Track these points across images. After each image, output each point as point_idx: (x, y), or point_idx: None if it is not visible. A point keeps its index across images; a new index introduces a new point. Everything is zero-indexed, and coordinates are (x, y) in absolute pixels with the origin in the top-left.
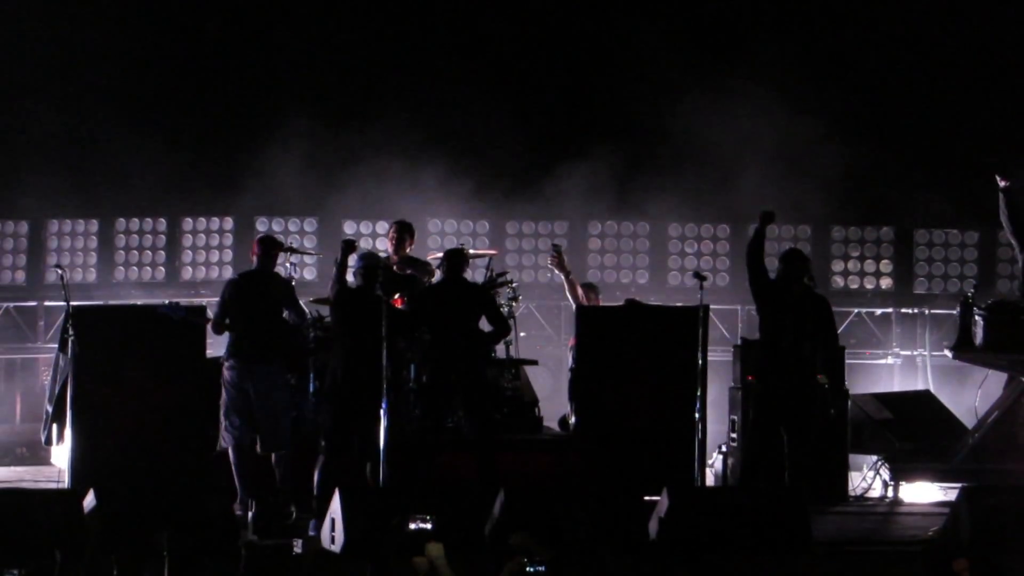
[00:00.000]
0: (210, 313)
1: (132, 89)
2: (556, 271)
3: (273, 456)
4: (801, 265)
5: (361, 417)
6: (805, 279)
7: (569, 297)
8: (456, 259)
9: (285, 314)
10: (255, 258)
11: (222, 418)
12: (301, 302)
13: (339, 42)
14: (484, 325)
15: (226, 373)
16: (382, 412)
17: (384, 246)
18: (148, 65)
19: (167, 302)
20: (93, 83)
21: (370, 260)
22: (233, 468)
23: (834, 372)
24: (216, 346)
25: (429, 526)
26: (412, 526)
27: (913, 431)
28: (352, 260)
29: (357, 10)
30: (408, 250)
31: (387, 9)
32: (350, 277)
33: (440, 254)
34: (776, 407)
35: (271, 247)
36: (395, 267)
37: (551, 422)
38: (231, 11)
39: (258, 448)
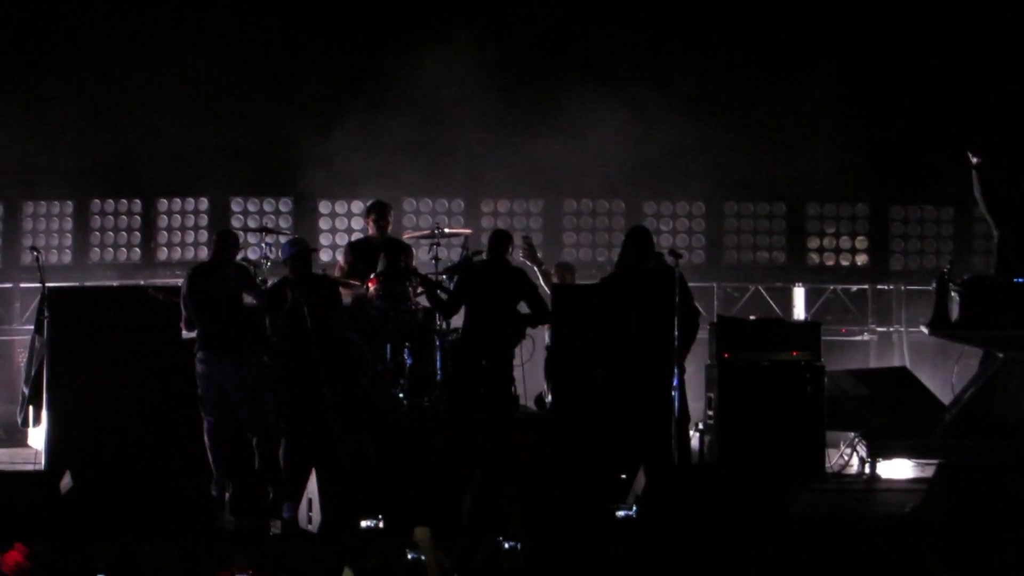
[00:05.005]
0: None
1: (103, 70)
2: (529, 263)
3: (254, 438)
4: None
5: (319, 399)
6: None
7: (544, 286)
8: (501, 240)
9: (248, 299)
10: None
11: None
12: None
13: (313, 22)
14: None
15: (197, 365)
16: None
17: (359, 226)
18: (119, 48)
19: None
20: (64, 65)
21: (301, 245)
22: (208, 452)
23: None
24: None
25: (381, 524)
26: (364, 524)
27: (890, 408)
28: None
29: None
30: (388, 230)
31: None
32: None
33: (416, 233)
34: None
35: (223, 238)
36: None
37: (527, 400)
38: None
39: (248, 433)
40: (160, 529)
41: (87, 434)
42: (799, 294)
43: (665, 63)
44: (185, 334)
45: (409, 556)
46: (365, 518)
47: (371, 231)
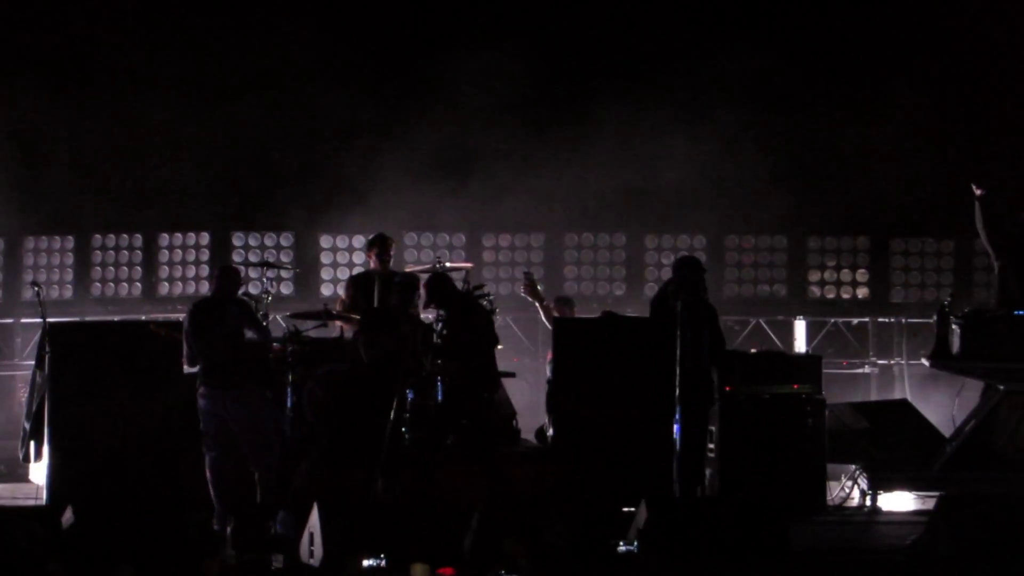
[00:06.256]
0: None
1: (105, 103)
2: (529, 299)
3: (256, 472)
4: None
5: (370, 429)
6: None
7: (545, 321)
8: (407, 290)
9: (249, 335)
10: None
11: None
12: (278, 317)
13: (314, 61)
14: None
15: (200, 401)
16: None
17: (360, 260)
18: (121, 85)
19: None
20: (65, 102)
21: (407, 278)
22: (210, 486)
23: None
24: None
25: (383, 564)
26: (365, 563)
27: (891, 440)
28: None
29: (334, 26)
30: (390, 264)
31: (363, 19)
32: None
33: (417, 267)
34: None
35: (225, 273)
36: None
37: (528, 434)
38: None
39: (252, 467)
40: (162, 564)
41: (89, 469)
42: (800, 327)
43: (664, 99)
44: (187, 369)
45: None
46: (367, 556)
47: (373, 265)
